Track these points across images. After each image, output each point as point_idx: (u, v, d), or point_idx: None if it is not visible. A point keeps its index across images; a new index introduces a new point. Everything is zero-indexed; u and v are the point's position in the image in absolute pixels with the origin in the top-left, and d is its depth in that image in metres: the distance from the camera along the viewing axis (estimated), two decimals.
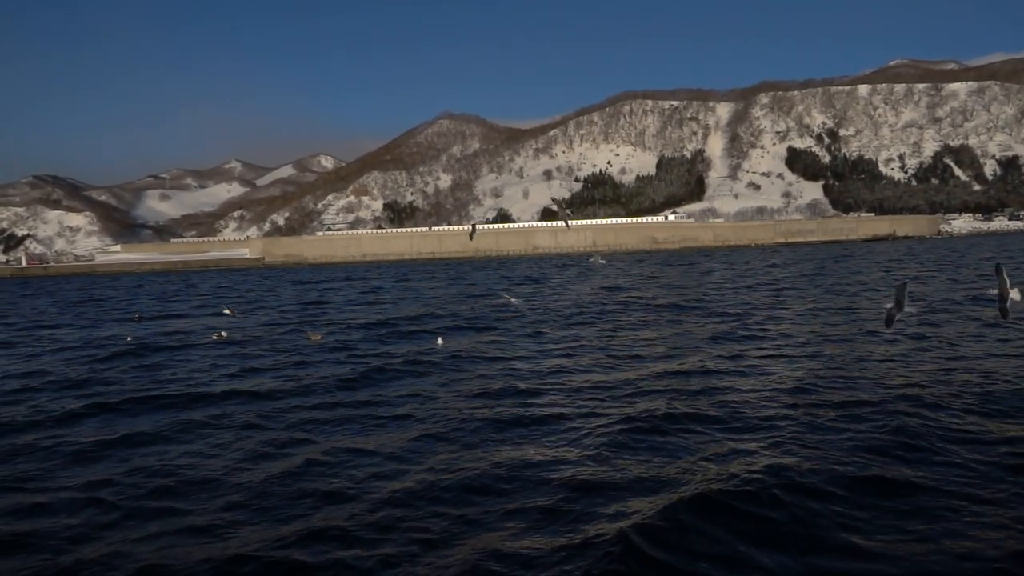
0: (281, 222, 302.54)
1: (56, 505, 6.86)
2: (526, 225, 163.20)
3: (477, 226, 22.57)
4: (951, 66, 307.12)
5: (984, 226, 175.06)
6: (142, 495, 6.96)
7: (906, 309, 8.08)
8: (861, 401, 9.66)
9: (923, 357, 12.53)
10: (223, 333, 18.36)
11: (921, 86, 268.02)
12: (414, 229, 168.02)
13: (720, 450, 7.87)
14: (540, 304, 26.50)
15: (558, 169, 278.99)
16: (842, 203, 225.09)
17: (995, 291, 7.95)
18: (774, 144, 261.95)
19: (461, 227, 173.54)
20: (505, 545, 5.48)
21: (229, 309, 24.59)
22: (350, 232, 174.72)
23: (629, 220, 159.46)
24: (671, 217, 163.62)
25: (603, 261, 24.43)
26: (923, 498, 6.25)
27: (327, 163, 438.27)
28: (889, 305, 8.05)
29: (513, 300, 21.41)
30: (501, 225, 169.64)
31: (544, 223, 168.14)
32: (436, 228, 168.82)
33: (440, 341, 15.54)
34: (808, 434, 8.26)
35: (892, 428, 8.21)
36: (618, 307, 24.27)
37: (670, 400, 10.00)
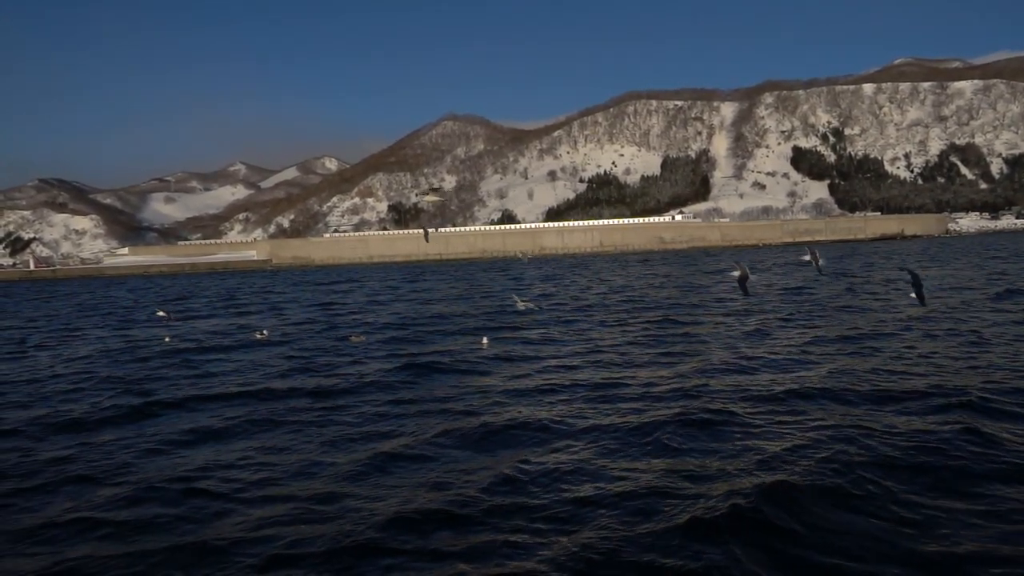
0: (286, 224, 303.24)
1: (158, 496, 6.98)
2: (532, 226, 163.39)
3: (430, 231, 23.70)
4: (956, 64, 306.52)
5: (992, 224, 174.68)
6: (241, 486, 7.09)
7: (751, 277, 10.38)
8: (918, 392, 9.78)
9: (969, 352, 12.62)
10: (264, 332, 18.51)
11: (926, 85, 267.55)
12: (421, 231, 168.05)
13: (791, 443, 7.96)
14: (567, 305, 26.65)
15: (562, 170, 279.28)
16: (848, 202, 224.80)
17: (736, 273, 10.25)
18: (779, 144, 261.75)
19: (468, 228, 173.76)
20: (616, 532, 5.61)
21: (164, 312, 24.97)
22: (357, 234, 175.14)
23: (636, 220, 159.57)
24: (678, 217, 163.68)
25: (528, 258, 25.40)
26: (993, 488, 6.33)
27: (331, 165, 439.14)
28: (736, 273, 10.39)
29: (521, 304, 21.24)
30: (508, 226, 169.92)
31: (550, 224, 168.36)
32: (443, 229, 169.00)
33: (485, 341, 15.68)
34: (872, 425, 8.36)
35: (956, 419, 8.32)
36: (645, 307, 24.40)
37: (729, 394, 10.12)
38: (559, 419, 9.04)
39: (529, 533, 5.49)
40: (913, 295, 10.45)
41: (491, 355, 14.29)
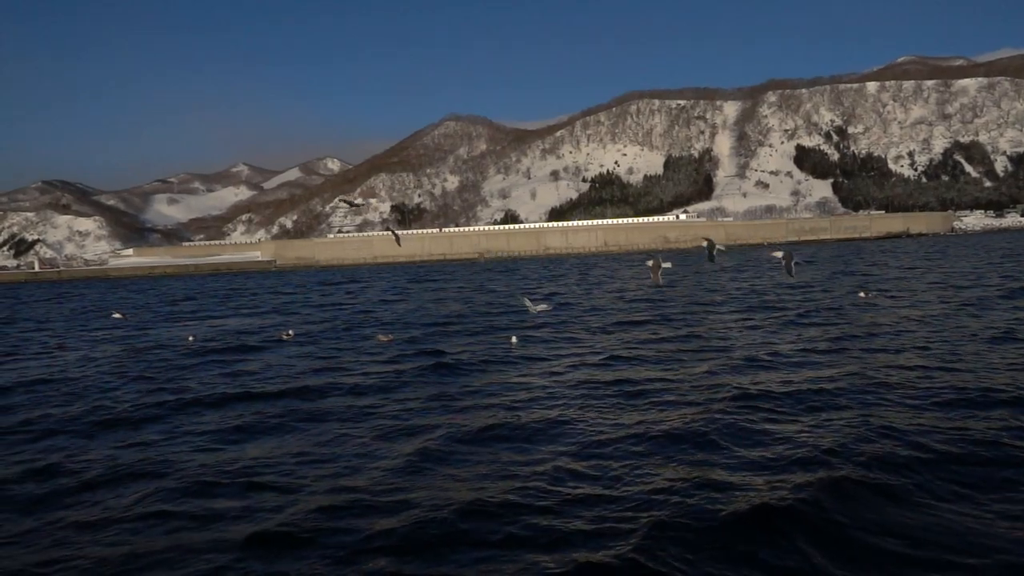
0: (289, 225, 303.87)
1: (220, 490, 7.02)
2: (537, 226, 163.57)
3: (399, 233, 25.68)
4: (960, 62, 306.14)
5: (996, 222, 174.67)
6: (303, 480, 7.15)
7: (664, 265, 11.91)
8: (957, 388, 9.81)
9: (1001, 348, 12.67)
10: (290, 332, 18.61)
11: (930, 83, 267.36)
12: (424, 231, 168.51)
13: (841, 439, 7.99)
14: (582, 304, 26.73)
15: (565, 170, 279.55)
16: (851, 201, 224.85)
17: (650, 262, 11.92)
18: (782, 142, 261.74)
19: (472, 228, 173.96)
20: (686, 525, 5.68)
21: (120, 313, 25.27)
22: (361, 234, 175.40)
23: (641, 220, 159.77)
24: (682, 216, 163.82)
25: (486, 259, 26.70)
26: None
27: (333, 166, 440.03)
28: (649, 262, 11.93)
29: (531, 307, 21.00)
30: (512, 226, 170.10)
31: (554, 224, 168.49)
32: (446, 229, 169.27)
33: (514, 339, 15.75)
34: (919, 422, 8.41)
35: (1001, 415, 8.37)
36: (664, 305, 24.46)
37: (769, 391, 10.17)
38: (606, 416, 9.12)
39: (607, 523, 5.57)
40: (785, 270, 11.76)
41: (523, 354, 14.37)
